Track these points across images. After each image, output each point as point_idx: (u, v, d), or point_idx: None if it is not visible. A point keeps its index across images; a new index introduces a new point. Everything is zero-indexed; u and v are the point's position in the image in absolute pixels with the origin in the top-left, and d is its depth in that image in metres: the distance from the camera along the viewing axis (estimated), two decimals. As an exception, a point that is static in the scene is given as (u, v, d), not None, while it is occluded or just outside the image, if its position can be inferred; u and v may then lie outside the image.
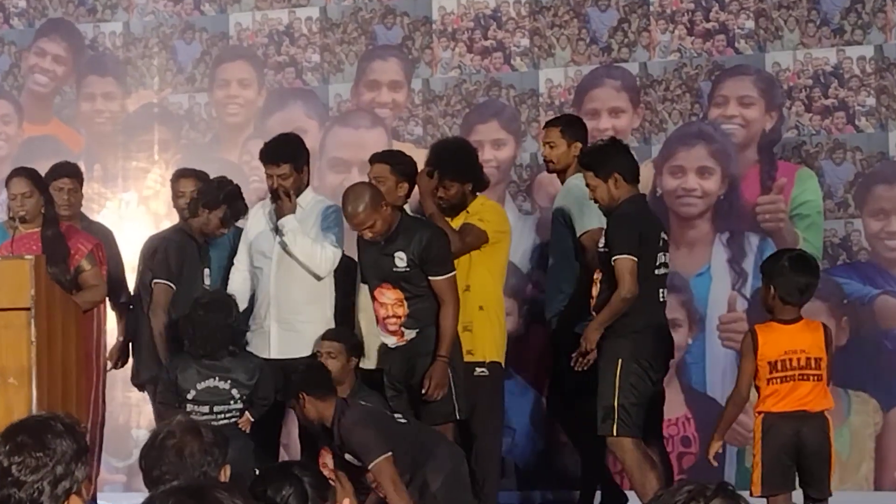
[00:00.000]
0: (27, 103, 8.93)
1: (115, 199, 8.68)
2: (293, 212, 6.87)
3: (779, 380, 5.71)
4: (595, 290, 6.21)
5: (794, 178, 7.65)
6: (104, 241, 7.13)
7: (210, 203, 7.00)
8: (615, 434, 6.06)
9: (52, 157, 7.94)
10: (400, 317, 6.58)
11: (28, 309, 5.94)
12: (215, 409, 6.61)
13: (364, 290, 6.83)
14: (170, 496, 2.34)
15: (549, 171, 7.04)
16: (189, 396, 6.60)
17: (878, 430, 7.43)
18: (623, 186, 6.18)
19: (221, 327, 6.61)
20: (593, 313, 6.21)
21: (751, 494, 5.68)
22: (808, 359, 5.70)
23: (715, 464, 5.97)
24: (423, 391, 6.46)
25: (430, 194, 6.82)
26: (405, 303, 6.55)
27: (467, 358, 6.65)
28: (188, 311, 6.74)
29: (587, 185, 6.32)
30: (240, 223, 7.22)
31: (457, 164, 6.85)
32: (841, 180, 7.60)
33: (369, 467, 6.23)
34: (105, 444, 7.31)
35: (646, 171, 7.68)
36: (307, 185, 7.02)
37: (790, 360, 5.68)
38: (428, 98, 8.24)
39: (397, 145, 8.14)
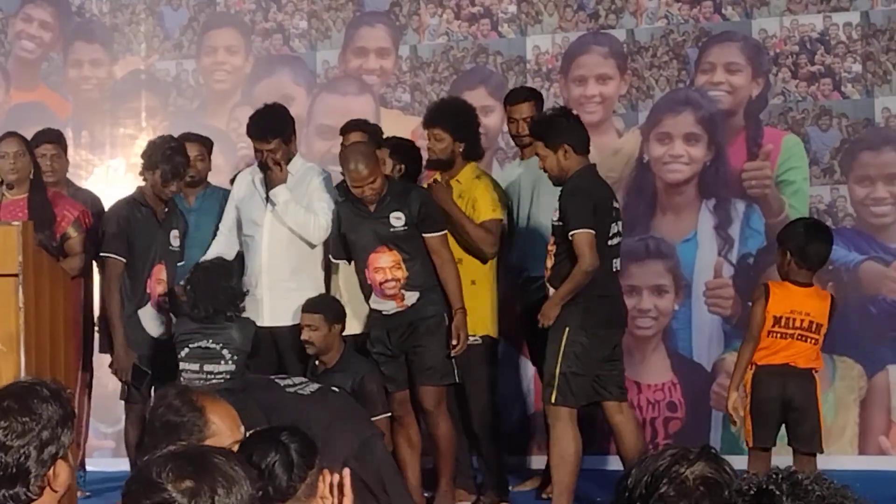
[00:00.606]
0: (14, 69, 8.91)
1: (102, 165, 8.68)
2: (284, 181, 6.86)
3: (778, 335, 5.89)
4: (549, 262, 6.23)
5: (780, 145, 7.67)
6: (92, 208, 7.11)
7: (146, 164, 6.95)
8: (553, 402, 6.08)
9: (39, 124, 7.90)
10: (399, 280, 6.58)
11: (15, 275, 5.90)
12: (205, 367, 6.65)
13: (342, 264, 6.88)
14: (168, 461, 2.33)
15: (521, 146, 6.94)
16: (181, 354, 6.65)
17: (862, 396, 7.46)
18: (573, 157, 6.16)
19: (222, 290, 6.66)
20: (548, 284, 6.25)
21: (746, 446, 5.84)
22: (811, 322, 5.89)
23: (736, 418, 5.97)
24: (454, 344, 6.51)
25: (452, 202, 6.75)
26: (403, 265, 6.58)
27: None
28: (188, 275, 6.79)
29: (536, 155, 6.32)
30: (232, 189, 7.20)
31: (454, 117, 6.76)
32: (827, 147, 7.63)
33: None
34: (93, 409, 7.33)
35: (632, 138, 7.82)
36: (295, 152, 7.02)
37: (794, 319, 5.87)
38: (415, 65, 8.23)
39: (385, 112, 8.19)
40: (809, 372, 5.92)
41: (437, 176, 6.87)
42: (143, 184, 6.97)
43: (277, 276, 6.89)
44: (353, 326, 6.87)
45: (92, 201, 7.34)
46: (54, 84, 8.84)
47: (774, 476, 2.06)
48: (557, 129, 6.18)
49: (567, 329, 6.07)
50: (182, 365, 6.64)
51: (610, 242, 6.20)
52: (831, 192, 7.60)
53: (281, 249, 6.91)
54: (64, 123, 8.58)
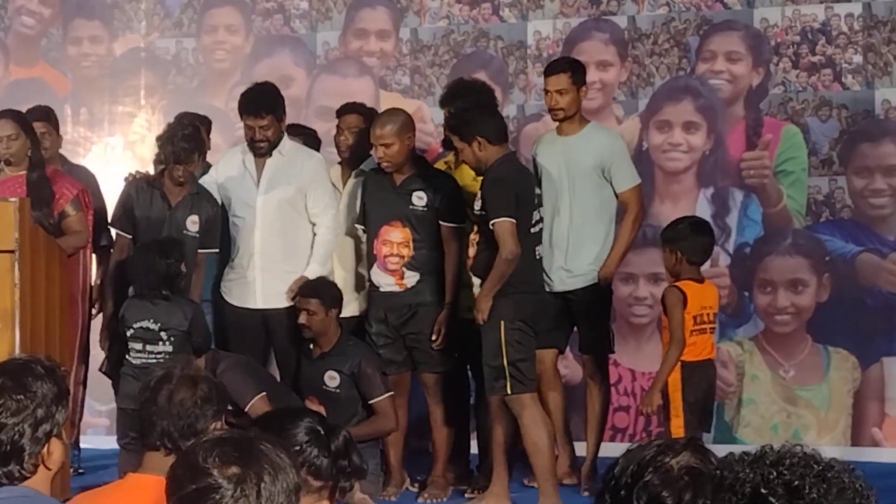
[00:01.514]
0: (14, 45, 8.89)
1: (100, 143, 8.66)
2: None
3: (697, 332, 6.10)
4: (472, 251, 6.27)
5: (779, 135, 7.67)
6: (86, 185, 7.10)
7: (158, 145, 7.02)
8: (510, 392, 6.10)
9: (38, 100, 7.88)
10: (403, 257, 6.62)
11: (12, 252, 5.89)
12: (147, 347, 6.66)
13: (342, 238, 6.92)
14: (214, 447, 2.32)
15: (557, 120, 6.67)
16: (128, 333, 6.68)
17: (856, 387, 7.48)
18: (488, 148, 6.18)
19: (152, 268, 6.59)
20: (471, 272, 6.30)
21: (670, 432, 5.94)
22: (712, 314, 6.16)
23: (653, 414, 6.17)
24: (434, 338, 6.57)
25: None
26: (411, 244, 6.60)
27: (468, 315, 6.54)
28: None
29: (454, 149, 6.32)
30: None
31: (473, 98, 6.67)
32: (826, 137, 7.63)
33: (372, 402, 6.44)
34: (88, 387, 7.31)
35: (632, 125, 7.80)
36: (284, 133, 7.03)
37: (704, 314, 6.09)
38: (416, 48, 8.22)
39: (384, 95, 8.17)
40: (713, 361, 6.24)
41: (451, 157, 6.83)
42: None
43: (270, 258, 6.89)
44: (351, 308, 6.89)
45: (86, 178, 7.33)
46: (53, 60, 8.82)
47: (770, 476, 2.08)
48: (470, 121, 6.21)
49: (502, 322, 6.11)
50: (129, 344, 6.66)
51: (533, 230, 6.27)
52: (829, 183, 7.61)
53: (273, 231, 6.91)
54: (63, 100, 8.58)
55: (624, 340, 7.68)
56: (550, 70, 6.72)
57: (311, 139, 7.40)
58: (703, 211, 7.71)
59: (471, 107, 6.37)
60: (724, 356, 7.60)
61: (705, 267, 7.55)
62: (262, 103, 6.90)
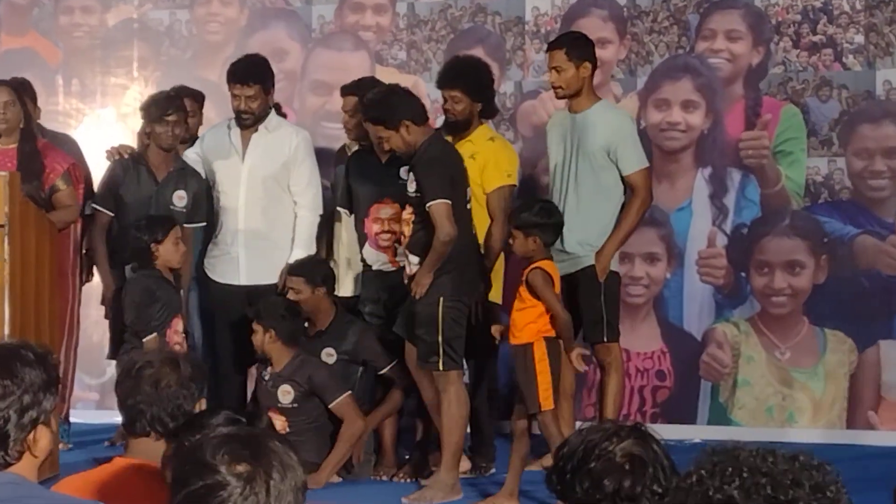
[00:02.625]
0: (5, 14, 8.83)
1: (92, 114, 8.61)
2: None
3: None
4: (407, 230, 6.30)
5: (779, 115, 7.62)
6: (70, 153, 7.06)
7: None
8: (442, 369, 6.18)
9: (29, 70, 7.88)
10: (394, 233, 6.58)
11: (2, 226, 5.89)
12: None
13: (345, 218, 6.89)
14: (222, 444, 2.30)
15: (560, 98, 6.58)
16: None
17: (852, 370, 7.46)
18: (416, 130, 6.20)
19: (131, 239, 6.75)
20: (406, 251, 6.33)
21: (540, 410, 5.96)
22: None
23: (582, 370, 6.22)
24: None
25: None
26: (411, 224, 6.51)
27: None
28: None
29: (380, 138, 6.31)
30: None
31: (472, 77, 6.65)
32: (826, 118, 7.59)
33: (331, 405, 6.48)
34: (78, 361, 7.30)
35: (630, 104, 7.76)
36: (271, 108, 7.01)
37: (559, 293, 6.18)
38: (412, 22, 8.17)
39: (380, 70, 8.11)
40: None
41: (449, 139, 6.73)
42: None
43: (254, 234, 6.88)
44: (348, 288, 6.90)
45: (69, 147, 7.28)
46: (45, 30, 8.76)
47: (724, 472, 2.03)
48: (392, 107, 6.21)
49: (441, 299, 6.17)
50: None
51: (468, 206, 6.32)
52: (829, 164, 7.57)
53: (258, 207, 6.89)
54: (54, 70, 8.55)
55: (620, 321, 7.62)
56: (549, 46, 6.67)
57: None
58: (701, 191, 7.69)
59: (387, 92, 6.34)
60: (719, 337, 7.62)
61: (702, 246, 7.71)
62: (249, 72, 6.87)
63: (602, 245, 6.43)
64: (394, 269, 6.67)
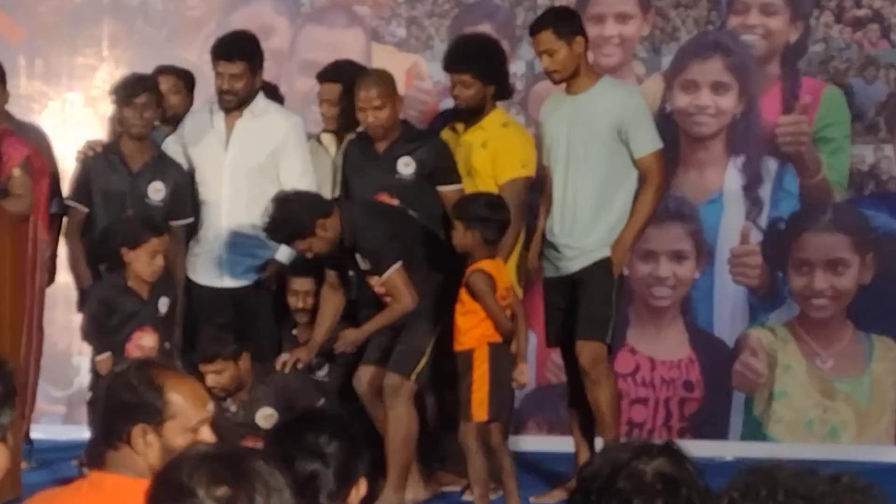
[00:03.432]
0: (-38, -11, 8.71)
1: (58, 98, 8.48)
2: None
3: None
4: None
5: (819, 97, 7.55)
6: (38, 146, 6.91)
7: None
8: (411, 379, 6.23)
9: (-11, 50, 7.82)
10: None
11: (-47, 222, 5.75)
12: None
13: None
14: (201, 463, 2.29)
15: (557, 83, 6.46)
16: None
17: (902, 379, 7.55)
18: (331, 223, 6.22)
19: None
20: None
21: (472, 419, 5.99)
22: (509, 291, 6.26)
23: (522, 385, 6.35)
24: None
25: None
26: None
27: None
28: None
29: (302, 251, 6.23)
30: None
31: (482, 58, 6.56)
32: (872, 100, 7.49)
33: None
34: (42, 371, 7.13)
35: (654, 85, 7.79)
36: (258, 89, 6.90)
37: (506, 292, 6.18)
38: (413, -5, 8.22)
39: (377, 48, 8.04)
40: None
41: (459, 126, 6.64)
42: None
43: (238, 231, 6.79)
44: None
45: (37, 138, 7.15)
46: (7, 6, 8.61)
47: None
48: (299, 218, 6.20)
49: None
50: None
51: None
52: (875, 151, 7.49)
53: (243, 201, 6.76)
54: (16, 50, 8.36)
55: (642, 325, 7.65)
56: (532, 29, 6.50)
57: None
58: (733, 181, 7.64)
59: (283, 208, 6.23)
60: (753, 343, 7.59)
61: (734, 243, 7.66)
62: (235, 48, 6.79)
63: (618, 236, 6.30)
64: None
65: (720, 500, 2.07)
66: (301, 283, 6.53)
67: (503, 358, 6.04)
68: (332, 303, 6.37)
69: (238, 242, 6.78)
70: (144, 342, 6.52)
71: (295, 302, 6.53)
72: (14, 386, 2.88)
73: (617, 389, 6.49)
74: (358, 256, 6.26)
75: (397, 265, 6.19)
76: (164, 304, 6.62)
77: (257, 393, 6.35)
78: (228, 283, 6.79)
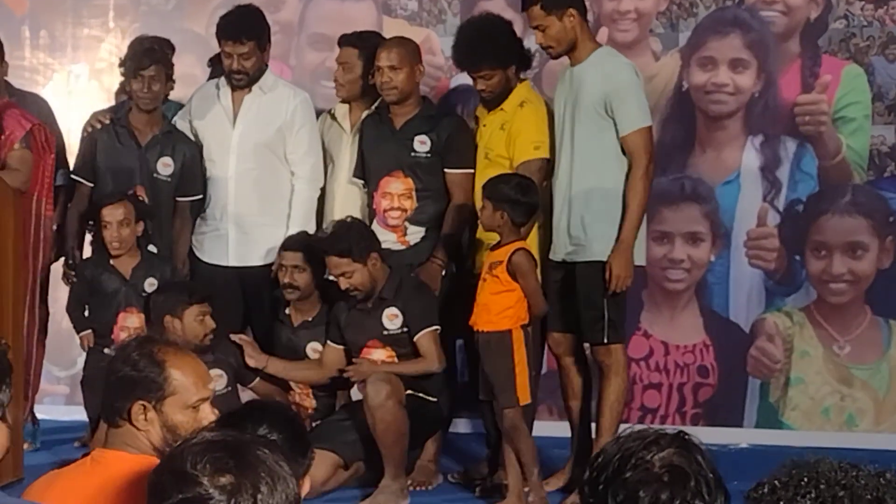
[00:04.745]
0: (-36, -43, 8.77)
1: (63, 71, 8.56)
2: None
3: None
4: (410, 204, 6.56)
5: (839, 76, 7.56)
6: (40, 116, 6.96)
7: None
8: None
9: (-8, 21, 7.85)
10: (406, 210, 6.63)
11: (-45, 198, 5.85)
12: None
13: (343, 187, 6.85)
14: (206, 451, 2.32)
15: (555, 58, 6.53)
16: None
17: (921, 367, 7.46)
18: (380, 267, 6.43)
19: None
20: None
21: (518, 404, 6.06)
22: None
23: None
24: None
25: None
26: (414, 196, 6.60)
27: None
28: None
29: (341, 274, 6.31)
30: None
31: (497, 46, 6.58)
32: (893, 80, 7.51)
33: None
34: (46, 350, 7.23)
35: (671, 62, 7.75)
36: (266, 66, 6.99)
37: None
38: (425, -32, 8.13)
39: (388, 21, 8.06)
40: None
41: (482, 111, 6.69)
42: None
43: (245, 209, 6.86)
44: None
45: (39, 108, 7.21)
46: None
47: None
48: (361, 238, 6.42)
49: None
50: None
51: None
52: None
53: (250, 178, 6.86)
54: (19, 21, 8.47)
55: (656, 309, 7.67)
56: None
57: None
58: (751, 161, 7.63)
59: (349, 227, 6.43)
60: (770, 328, 7.59)
61: (751, 225, 7.69)
62: (242, 27, 6.84)
63: (616, 244, 6.22)
64: (403, 247, 6.66)
65: (761, 487, 2.10)
66: (290, 258, 6.57)
67: (530, 339, 6.11)
68: (306, 375, 6.61)
69: (244, 221, 6.87)
70: (129, 322, 6.64)
71: (283, 276, 6.57)
72: (9, 364, 2.92)
73: (626, 391, 6.44)
74: (390, 312, 6.35)
75: (434, 328, 6.33)
76: (150, 285, 6.69)
77: (318, 319, 6.54)
78: (232, 262, 6.88)
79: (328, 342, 6.56)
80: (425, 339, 6.32)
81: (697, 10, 7.73)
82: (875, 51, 7.54)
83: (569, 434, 6.63)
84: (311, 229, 6.83)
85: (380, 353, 6.41)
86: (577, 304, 6.30)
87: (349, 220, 6.45)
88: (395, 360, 6.38)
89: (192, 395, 3.36)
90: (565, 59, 6.56)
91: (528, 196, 6.14)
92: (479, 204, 6.32)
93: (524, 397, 6.05)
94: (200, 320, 6.45)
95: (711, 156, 7.65)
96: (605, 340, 6.26)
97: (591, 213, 6.29)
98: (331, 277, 6.51)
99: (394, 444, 6.22)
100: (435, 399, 6.45)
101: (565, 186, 6.35)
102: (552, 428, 7.03)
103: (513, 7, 7.66)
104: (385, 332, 6.37)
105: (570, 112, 6.36)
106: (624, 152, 6.31)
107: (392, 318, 6.36)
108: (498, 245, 6.15)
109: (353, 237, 6.31)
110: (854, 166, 7.54)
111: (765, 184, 7.60)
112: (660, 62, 7.68)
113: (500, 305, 6.06)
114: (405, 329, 6.36)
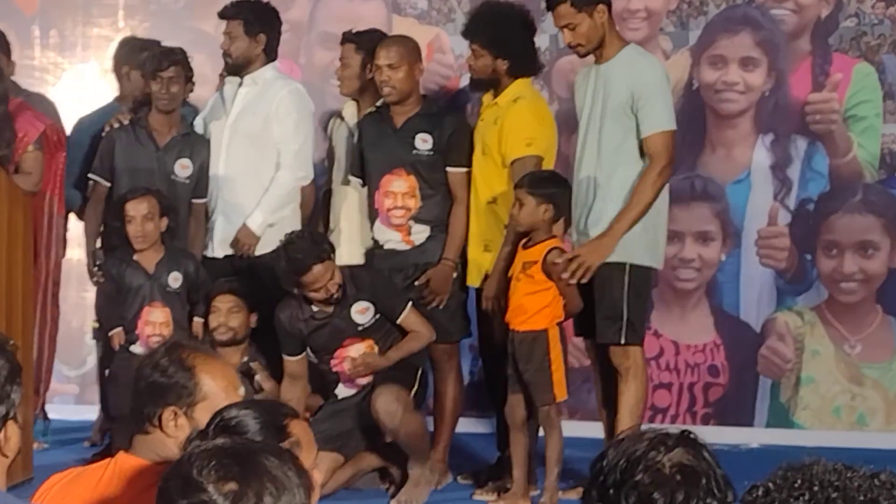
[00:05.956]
0: (-25, -43, 8.87)
1: (72, 70, 8.61)
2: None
3: None
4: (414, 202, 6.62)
5: (850, 74, 7.62)
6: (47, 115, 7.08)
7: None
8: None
9: (2, 20, 7.87)
10: (409, 209, 6.67)
11: (-34, 198, 5.95)
12: None
13: (346, 187, 6.96)
14: (212, 457, 2.32)
15: (583, 56, 6.41)
16: None
17: (932, 366, 7.46)
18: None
19: None
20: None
21: (555, 399, 6.18)
22: None
23: None
24: (432, 300, 6.65)
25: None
26: (418, 195, 6.64)
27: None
28: None
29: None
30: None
31: (492, 30, 6.58)
32: None
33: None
34: (56, 350, 7.29)
35: (682, 60, 7.77)
36: (271, 59, 7.03)
37: None
38: (435, -36, 8.11)
39: (398, 20, 8.11)
40: None
41: (485, 98, 6.76)
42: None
43: (233, 201, 6.91)
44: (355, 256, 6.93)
45: (45, 108, 7.27)
46: None
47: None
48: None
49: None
50: None
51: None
52: None
53: (238, 170, 6.92)
54: (30, 20, 8.53)
55: (667, 308, 7.71)
56: (549, 4, 6.39)
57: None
58: (761, 160, 7.70)
59: None
60: (780, 328, 7.64)
61: (762, 224, 7.72)
62: (230, 7, 6.90)
63: (607, 227, 6.17)
64: (407, 247, 6.72)
65: (755, 490, 2.08)
66: (225, 301, 6.70)
67: (564, 335, 6.21)
68: (294, 393, 6.49)
69: (231, 212, 6.90)
70: (153, 317, 6.71)
71: (215, 319, 6.70)
72: (19, 364, 2.89)
73: (645, 394, 6.32)
74: (359, 307, 6.43)
75: (409, 302, 6.45)
76: (174, 280, 6.77)
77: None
78: (217, 252, 6.94)
79: (286, 357, 6.56)
80: (409, 317, 6.44)
81: (707, 9, 7.78)
82: (886, 49, 7.60)
83: (574, 434, 6.66)
84: (285, 218, 6.85)
85: (359, 347, 6.48)
86: (593, 305, 6.29)
87: (303, 232, 6.56)
88: (375, 348, 6.47)
89: (222, 401, 3.30)
90: (575, 62, 6.66)
91: (568, 193, 6.22)
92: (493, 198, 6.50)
93: (561, 393, 6.16)
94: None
95: (722, 154, 7.71)
96: (623, 341, 6.20)
97: (612, 213, 6.21)
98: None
99: (418, 445, 6.41)
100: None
101: (587, 186, 6.26)
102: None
103: (527, 4, 7.71)
104: (359, 328, 6.46)
105: (598, 111, 6.27)
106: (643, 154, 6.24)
107: (363, 312, 6.44)
108: (529, 243, 6.19)
109: (325, 240, 6.45)
110: (865, 165, 7.59)
111: (775, 183, 7.66)
112: (670, 61, 7.71)
113: (536, 305, 6.12)
114: (378, 317, 6.46)
